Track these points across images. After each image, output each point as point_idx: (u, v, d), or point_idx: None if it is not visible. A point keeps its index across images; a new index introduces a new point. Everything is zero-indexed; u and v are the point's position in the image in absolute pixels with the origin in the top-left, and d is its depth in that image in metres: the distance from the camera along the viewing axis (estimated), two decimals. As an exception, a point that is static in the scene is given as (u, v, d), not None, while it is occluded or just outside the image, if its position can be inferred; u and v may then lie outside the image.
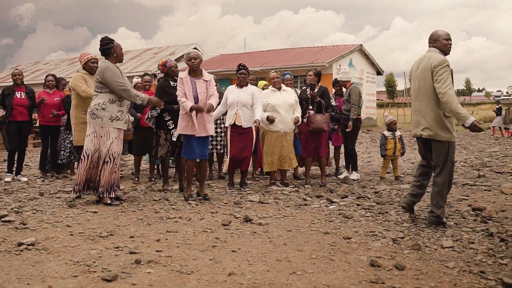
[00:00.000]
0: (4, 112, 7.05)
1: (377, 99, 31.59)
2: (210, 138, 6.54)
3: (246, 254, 3.43)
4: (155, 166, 7.44)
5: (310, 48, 26.67)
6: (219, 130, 7.13)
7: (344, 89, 7.41)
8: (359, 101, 7.01)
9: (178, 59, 23.55)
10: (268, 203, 5.36)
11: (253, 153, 6.65)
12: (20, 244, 3.49)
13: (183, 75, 5.50)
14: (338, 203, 5.33)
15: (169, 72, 6.15)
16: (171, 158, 6.45)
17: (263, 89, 7.08)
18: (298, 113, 6.49)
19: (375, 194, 5.92)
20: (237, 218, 4.60)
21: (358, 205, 5.24)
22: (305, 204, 5.30)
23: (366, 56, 25.97)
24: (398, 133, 7.28)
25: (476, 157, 10.06)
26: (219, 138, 7.17)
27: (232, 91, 6.24)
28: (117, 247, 3.51)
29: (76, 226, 4.18)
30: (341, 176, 7.24)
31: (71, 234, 3.88)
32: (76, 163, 7.40)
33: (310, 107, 6.65)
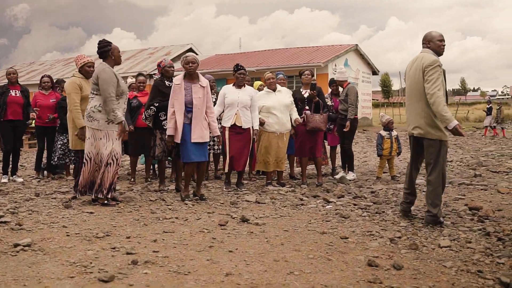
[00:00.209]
0: None
1: (373, 99, 31.68)
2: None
3: (243, 254, 3.42)
4: (151, 167, 7.43)
5: (305, 48, 26.68)
6: None
7: (340, 89, 7.42)
8: (356, 101, 7.03)
9: (173, 59, 23.54)
10: (264, 203, 5.35)
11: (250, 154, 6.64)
12: (16, 245, 3.47)
13: (177, 81, 5.45)
14: (335, 203, 5.33)
15: (163, 72, 6.14)
16: (168, 158, 6.42)
17: (258, 89, 7.06)
18: (295, 114, 6.49)
19: (371, 194, 5.92)
20: (233, 218, 4.60)
21: (355, 204, 5.24)
22: (302, 204, 5.30)
23: (362, 56, 26.04)
24: (394, 133, 7.29)
25: (472, 157, 10.08)
26: (216, 138, 7.13)
27: (231, 91, 6.20)
28: (114, 248, 3.50)
29: (72, 226, 4.16)
30: (337, 176, 7.25)
31: (68, 235, 3.86)
32: (72, 165, 7.34)
33: (307, 107, 6.65)
